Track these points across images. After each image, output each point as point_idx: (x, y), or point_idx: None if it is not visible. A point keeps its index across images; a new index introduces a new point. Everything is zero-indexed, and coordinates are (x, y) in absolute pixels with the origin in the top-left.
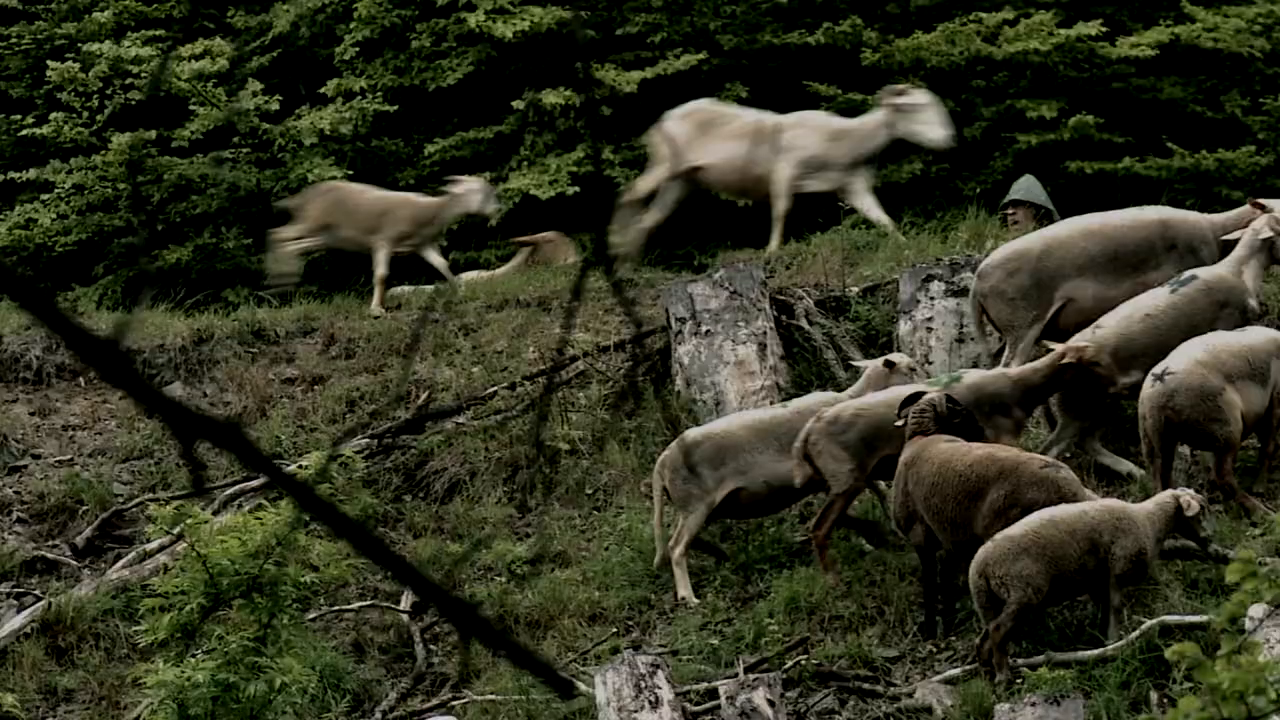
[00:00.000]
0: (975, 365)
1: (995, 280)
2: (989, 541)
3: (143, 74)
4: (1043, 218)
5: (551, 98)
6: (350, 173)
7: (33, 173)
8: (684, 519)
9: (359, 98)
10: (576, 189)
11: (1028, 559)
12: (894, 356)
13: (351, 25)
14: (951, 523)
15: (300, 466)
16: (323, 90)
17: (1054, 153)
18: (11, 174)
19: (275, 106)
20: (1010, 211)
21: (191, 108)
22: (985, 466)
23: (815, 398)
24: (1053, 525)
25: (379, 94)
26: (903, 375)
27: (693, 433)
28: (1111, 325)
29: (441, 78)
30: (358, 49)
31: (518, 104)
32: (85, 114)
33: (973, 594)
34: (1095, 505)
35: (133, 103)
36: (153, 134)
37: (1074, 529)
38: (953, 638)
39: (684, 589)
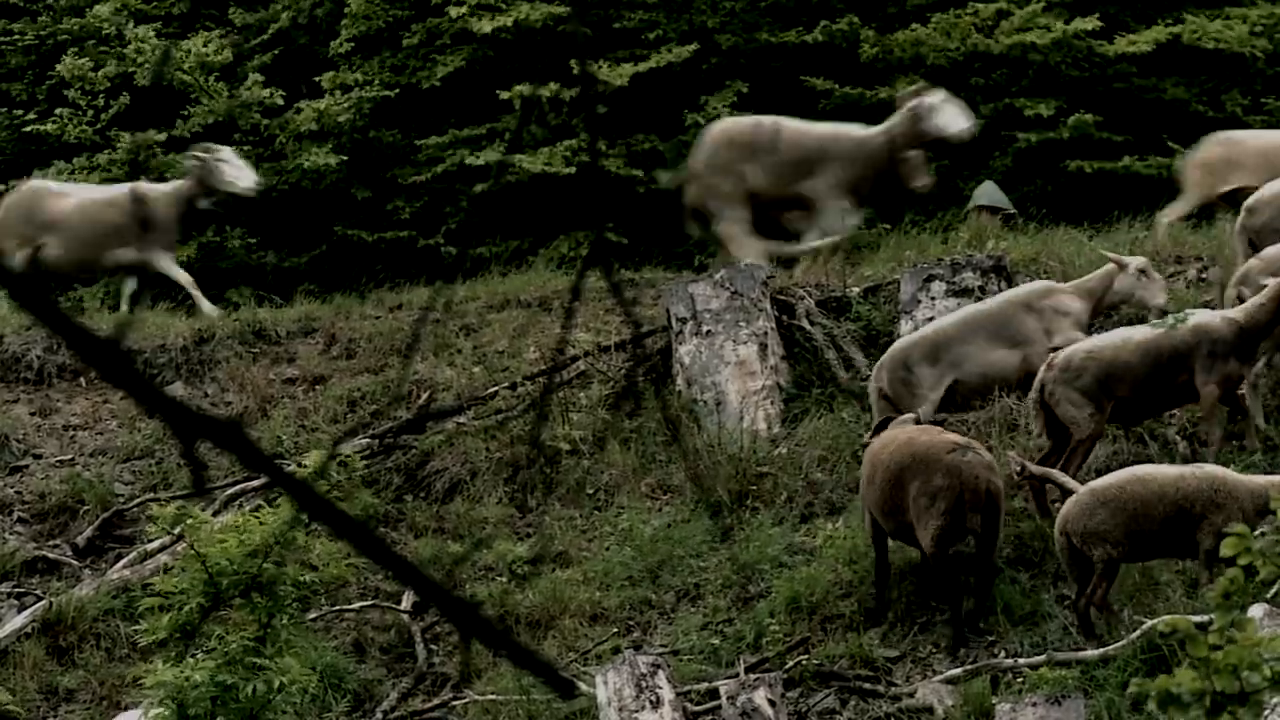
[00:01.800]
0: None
1: (1268, 216)
2: (1071, 497)
3: (146, 64)
4: (1007, 220)
5: (544, 92)
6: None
7: (37, 173)
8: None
9: (356, 89)
10: (572, 170)
11: (1104, 513)
12: (1126, 258)
13: (344, 22)
14: (884, 513)
15: (300, 466)
16: (318, 80)
17: (1053, 151)
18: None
19: (280, 101)
20: (976, 218)
21: (194, 97)
22: (903, 455)
23: (1024, 289)
24: (1140, 482)
25: (375, 86)
26: (1130, 277)
27: (902, 341)
28: None
29: (434, 74)
30: (353, 44)
31: (505, 94)
32: (90, 112)
33: (1058, 551)
34: (1195, 471)
35: (139, 92)
36: (160, 135)
37: (1164, 491)
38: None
39: None
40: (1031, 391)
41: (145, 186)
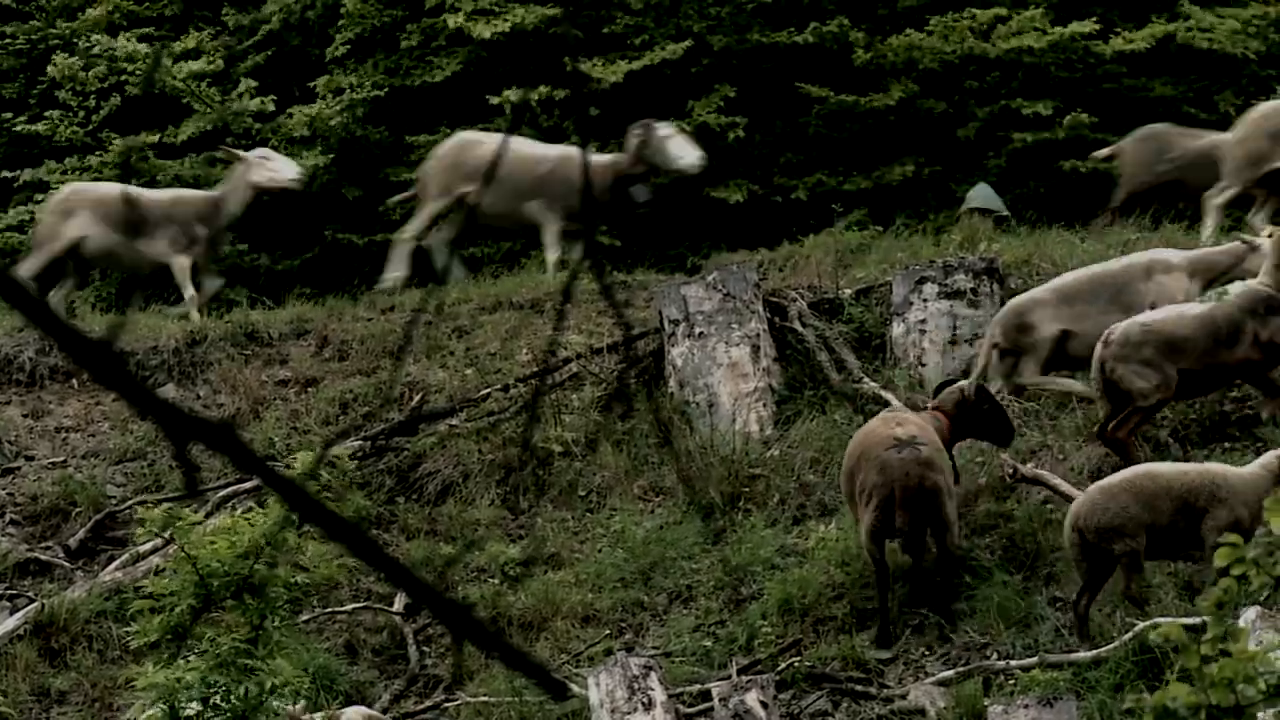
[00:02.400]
0: (967, 370)
1: None
2: (1083, 494)
3: (137, 72)
4: (999, 223)
5: (535, 95)
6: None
7: (28, 174)
8: (1024, 367)
9: (349, 92)
10: None
11: (1116, 507)
12: (1258, 239)
13: (340, 24)
14: (850, 501)
15: (288, 467)
16: (312, 85)
17: (1048, 152)
18: (5, 173)
19: (271, 107)
20: (969, 220)
21: (185, 102)
22: (855, 446)
23: (1146, 255)
24: (1149, 478)
25: (368, 88)
26: (1259, 258)
27: (1024, 296)
28: None
29: (429, 75)
30: (349, 47)
31: (495, 100)
32: (82, 113)
33: (1068, 548)
34: (1196, 468)
35: (130, 95)
36: (151, 138)
37: (1170, 486)
38: (944, 639)
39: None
40: (1092, 371)
41: (591, 156)
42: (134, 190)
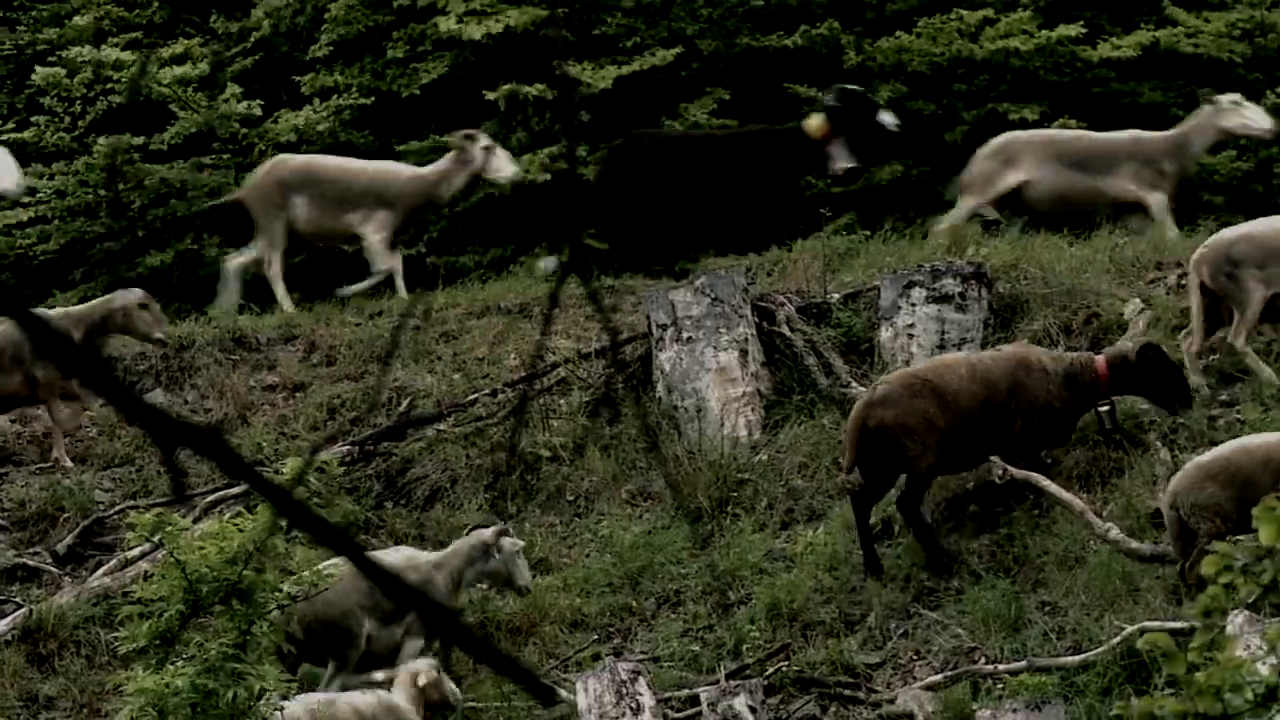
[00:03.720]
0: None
1: None
2: (1179, 472)
3: (123, 79)
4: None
5: (527, 93)
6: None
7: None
8: (1238, 314)
9: (335, 96)
10: (548, 177)
11: (1214, 486)
12: None
13: (324, 27)
14: None
15: (276, 472)
16: (298, 80)
17: None
18: None
19: (258, 112)
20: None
21: (171, 108)
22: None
23: None
24: (1245, 452)
25: (354, 93)
26: None
27: (1228, 232)
28: None
29: (416, 81)
30: (332, 48)
31: (491, 95)
32: (68, 119)
33: (1167, 524)
34: None
35: (114, 105)
36: (135, 140)
37: (1268, 459)
38: (930, 645)
39: (1261, 368)
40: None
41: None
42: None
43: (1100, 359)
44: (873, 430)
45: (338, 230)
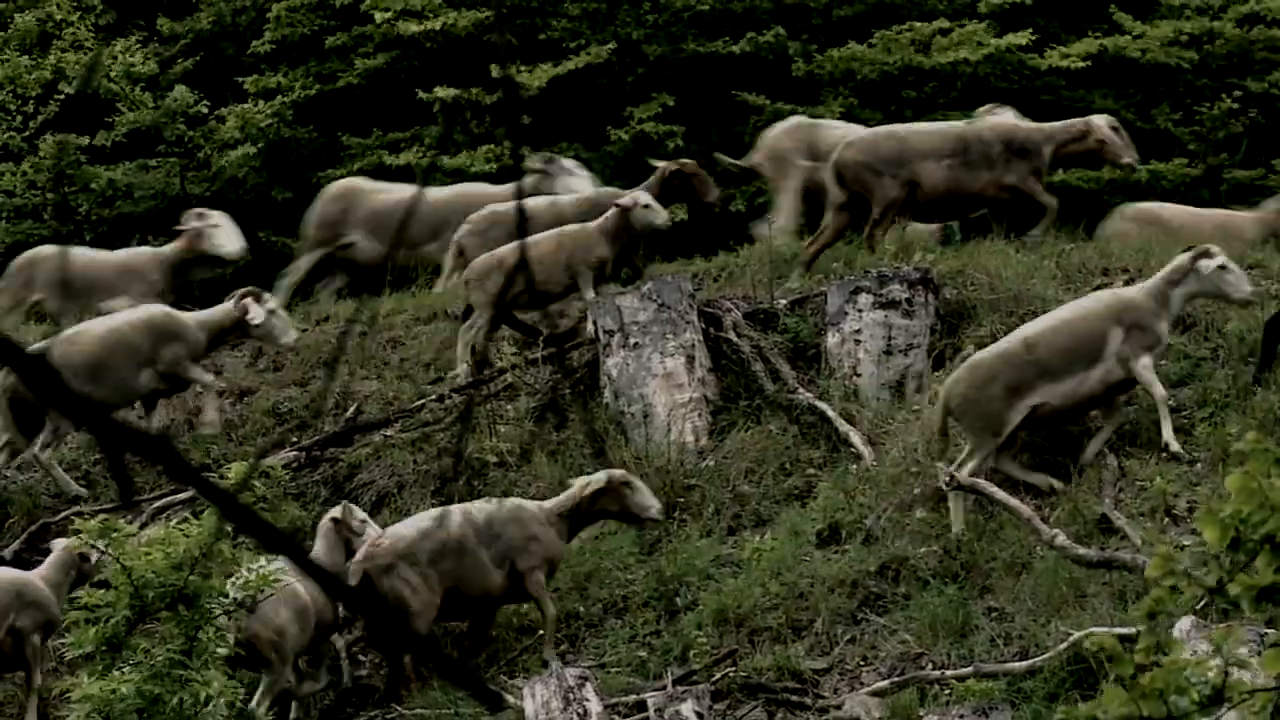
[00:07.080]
0: (903, 378)
1: None
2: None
3: (78, 64)
4: (946, 233)
5: (467, 95)
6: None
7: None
8: None
9: (278, 96)
10: (492, 167)
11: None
12: None
13: (267, 25)
14: None
15: (223, 477)
16: (240, 80)
17: None
18: None
19: (205, 110)
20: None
21: (119, 106)
22: None
23: None
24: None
25: (297, 90)
26: None
27: None
28: None
29: (356, 76)
30: (275, 46)
31: (425, 96)
32: (19, 118)
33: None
34: None
35: (64, 95)
36: (81, 140)
37: None
38: (878, 650)
39: None
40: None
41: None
42: None
43: None
44: None
45: None
